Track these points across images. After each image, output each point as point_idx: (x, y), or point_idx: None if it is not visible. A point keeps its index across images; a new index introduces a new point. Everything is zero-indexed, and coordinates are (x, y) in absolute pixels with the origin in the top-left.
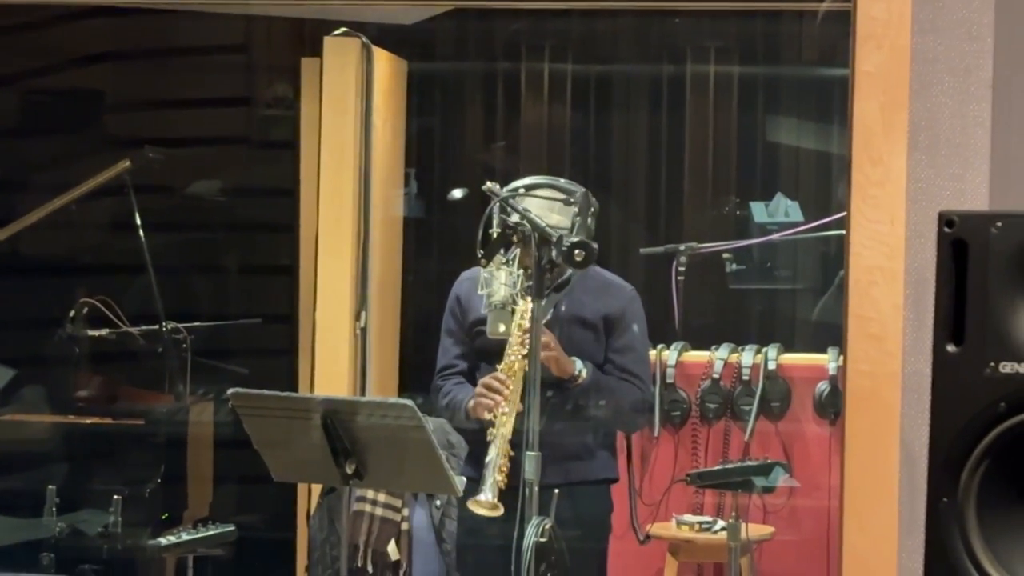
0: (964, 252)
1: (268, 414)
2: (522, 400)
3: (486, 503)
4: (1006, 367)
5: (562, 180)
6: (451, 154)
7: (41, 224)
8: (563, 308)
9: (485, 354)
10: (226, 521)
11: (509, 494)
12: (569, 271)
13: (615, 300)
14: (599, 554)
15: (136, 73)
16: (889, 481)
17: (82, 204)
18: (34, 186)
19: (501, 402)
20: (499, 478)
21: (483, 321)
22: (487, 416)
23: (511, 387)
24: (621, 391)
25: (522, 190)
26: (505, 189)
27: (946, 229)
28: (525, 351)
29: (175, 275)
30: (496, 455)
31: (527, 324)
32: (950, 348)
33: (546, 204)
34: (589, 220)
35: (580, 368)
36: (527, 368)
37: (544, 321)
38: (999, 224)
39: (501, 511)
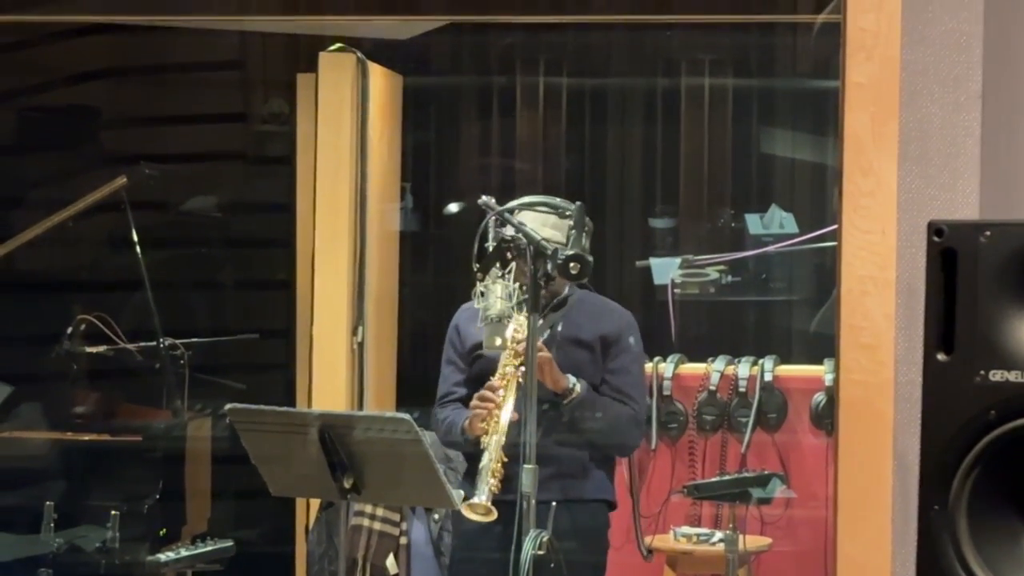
0: (954, 261)
1: (266, 429)
2: (517, 410)
3: (480, 506)
4: (996, 375)
5: (557, 199)
6: (447, 168)
7: (38, 241)
8: (560, 328)
9: (484, 379)
10: (224, 536)
11: (506, 507)
12: (567, 290)
13: (613, 322)
14: (597, 567)
15: (132, 90)
16: (882, 490)
17: (79, 221)
18: (31, 203)
19: (494, 409)
20: (493, 482)
21: (481, 344)
22: (482, 427)
23: (504, 393)
24: (614, 411)
25: (517, 208)
26: (509, 204)
27: (935, 238)
28: (519, 361)
29: (172, 291)
30: (490, 460)
31: (522, 337)
32: (940, 357)
33: (540, 218)
34: (584, 237)
35: (574, 383)
36: (521, 378)
37: (541, 340)
38: (988, 233)
39: (494, 516)
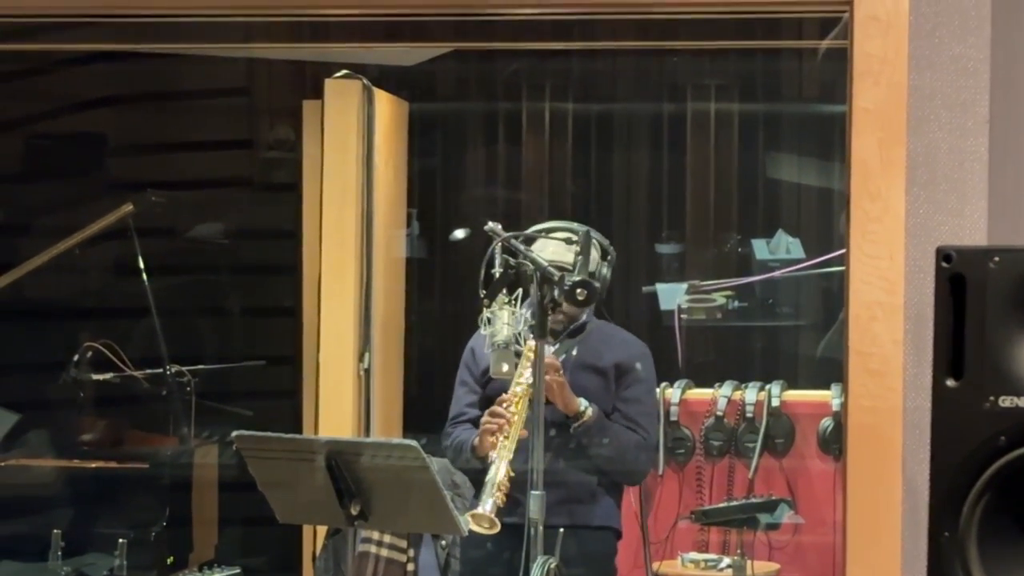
0: (962, 287)
1: (272, 456)
2: (526, 427)
3: (483, 518)
4: (1005, 401)
5: (575, 223)
6: (453, 194)
7: (45, 268)
8: (575, 353)
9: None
10: (232, 564)
11: (514, 533)
12: (584, 317)
13: (628, 351)
14: None
15: (139, 117)
16: (892, 516)
17: (86, 248)
18: (38, 230)
19: (505, 425)
20: (499, 495)
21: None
22: (492, 441)
23: (515, 410)
24: (624, 438)
25: (543, 233)
26: (528, 231)
27: (944, 264)
28: (531, 381)
29: (179, 318)
30: (496, 473)
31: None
32: (949, 383)
33: (562, 245)
34: (604, 268)
35: (585, 406)
36: (531, 396)
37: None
38: (997, 259)
39: (498, 528)
